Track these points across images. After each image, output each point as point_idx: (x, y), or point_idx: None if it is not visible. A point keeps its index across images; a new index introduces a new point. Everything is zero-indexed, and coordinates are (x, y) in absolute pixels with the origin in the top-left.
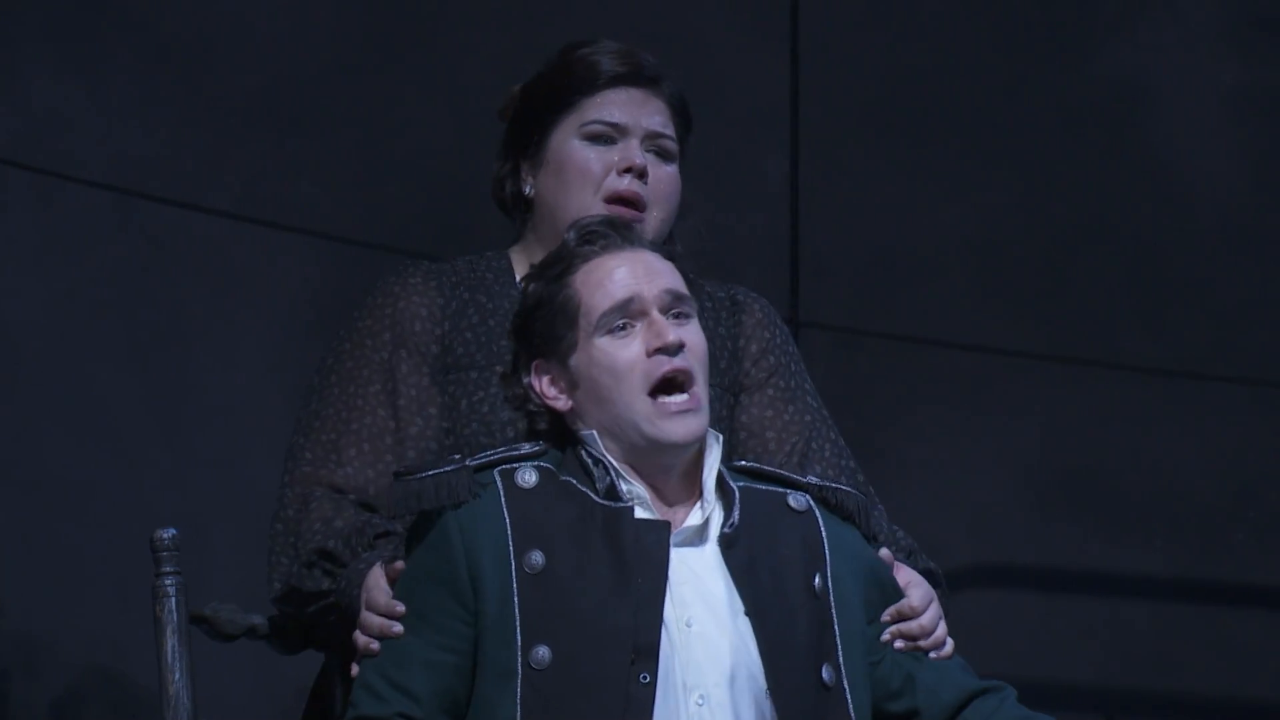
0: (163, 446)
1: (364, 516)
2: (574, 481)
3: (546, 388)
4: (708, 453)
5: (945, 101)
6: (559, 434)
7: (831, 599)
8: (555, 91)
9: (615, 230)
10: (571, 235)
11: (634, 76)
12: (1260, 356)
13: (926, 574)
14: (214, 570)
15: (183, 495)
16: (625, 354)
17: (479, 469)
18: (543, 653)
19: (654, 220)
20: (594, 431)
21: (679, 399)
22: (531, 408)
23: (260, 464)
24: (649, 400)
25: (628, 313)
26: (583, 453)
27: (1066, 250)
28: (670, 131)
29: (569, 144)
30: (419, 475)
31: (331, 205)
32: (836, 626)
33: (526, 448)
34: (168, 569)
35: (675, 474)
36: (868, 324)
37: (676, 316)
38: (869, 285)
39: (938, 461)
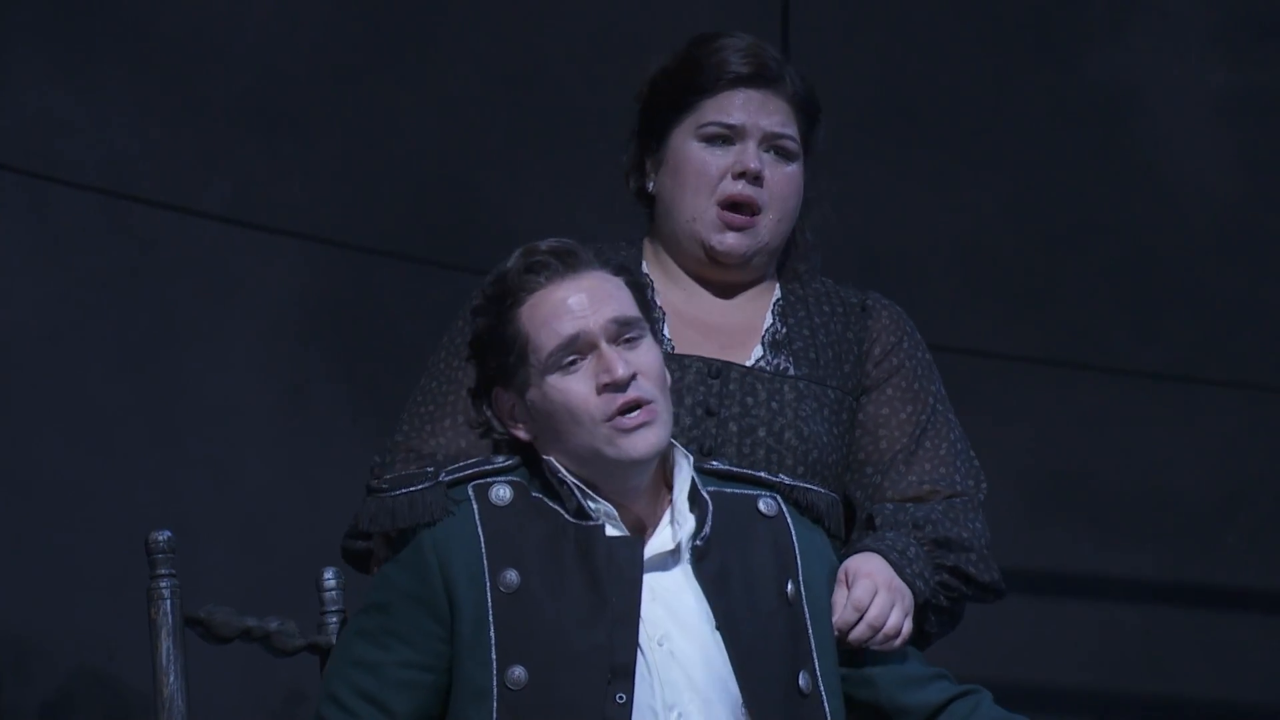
0: (155, 449)
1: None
2: (545, 499)
3: (507, 418)
4: (677, 471)
5: (935, 104)
6: (525, 453)
7: (805, 605)
8: (678, 90)
9: (558, 258)
10: (516, 264)
11: (755, 78)
12: (1250, 359)
13: (952, 571)
14: (205, 572)
15: (174, 497)
16: (577, 390)
17: (453, 484)
18: (519, 673)
19: (769, 223)
20: (553, 458)
21: (634, 415)
22: (495, 436)
23: (252, 466)
24: (605, 424)
25: (575, 348)
26: (548, 473)
27: (1057, 253)
28: (790, 131)
29: (687, 145)
30: (393, 493)
31: (322, 208)
32: (810, 632)
33: (500, 460)
34: (163, 571)
35: (642, 492)
36: None
37: (626, 342)
38: (858, 287)
39: None
